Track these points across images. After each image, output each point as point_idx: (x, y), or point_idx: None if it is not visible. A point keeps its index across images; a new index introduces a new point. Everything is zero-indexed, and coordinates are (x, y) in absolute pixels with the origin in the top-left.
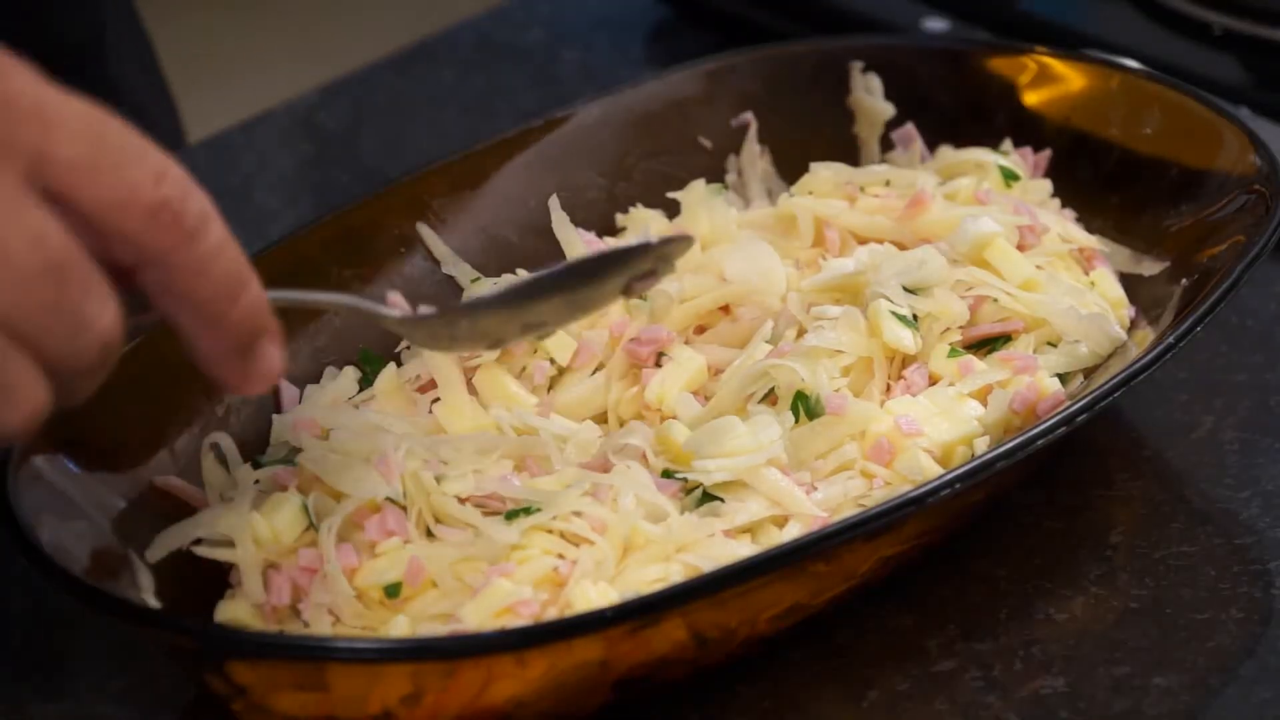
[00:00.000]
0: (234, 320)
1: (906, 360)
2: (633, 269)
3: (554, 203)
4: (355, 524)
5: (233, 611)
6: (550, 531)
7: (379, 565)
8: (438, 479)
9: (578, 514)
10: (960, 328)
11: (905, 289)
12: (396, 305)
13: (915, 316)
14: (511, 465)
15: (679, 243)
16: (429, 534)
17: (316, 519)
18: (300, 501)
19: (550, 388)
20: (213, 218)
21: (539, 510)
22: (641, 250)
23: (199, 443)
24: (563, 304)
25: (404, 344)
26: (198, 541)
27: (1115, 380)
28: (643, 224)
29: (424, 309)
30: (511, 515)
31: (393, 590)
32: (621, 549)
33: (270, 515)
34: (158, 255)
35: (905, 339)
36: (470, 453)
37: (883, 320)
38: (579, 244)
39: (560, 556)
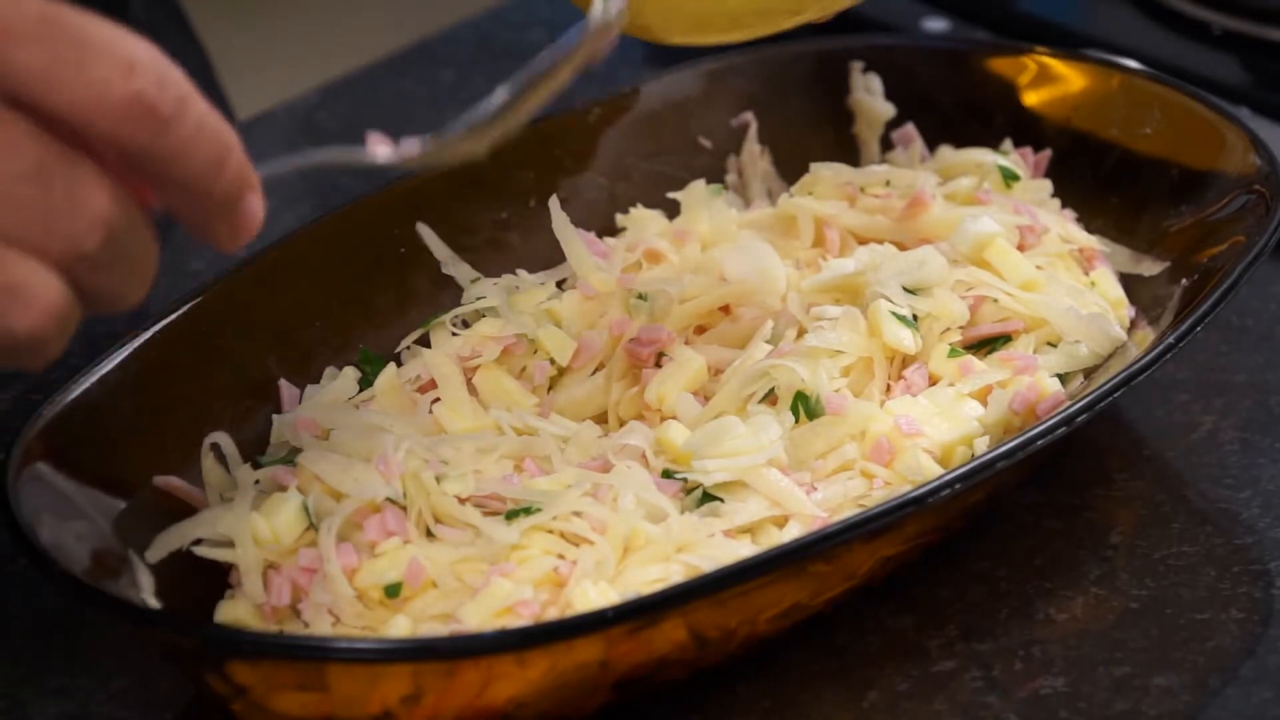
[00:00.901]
0: (220, 189)
1: (906, 360)
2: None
3: (554, 202)
4: (355, 524)
5: (233, 611)
6: (550, 531)
7: (379, 565)
8: (438, 479)
9: (578, 514)
10: (960, 328)
11: (905, 289)
12: (378, 145)
13: (915, 317)
14: (512, 465)
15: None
16: (429, 534)
17: (316, 519)
18: (300, 502)
19: (550, 388)
20: (189, 98)
21: (539, 510)
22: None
23: (199, 443)
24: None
25: (404, 344)
26: (198, 542)
27: (1115, 380)
28: (642, 224)
29: (407, 142)
30: (511, 515)
31: (393, 590)
32: (621, 549)
33: (270, 516)
34: (137, 149)
35: (905, 339)
36: (470, 453)
37: (883, 321)
38: (579, 244)
39: (560, 557)
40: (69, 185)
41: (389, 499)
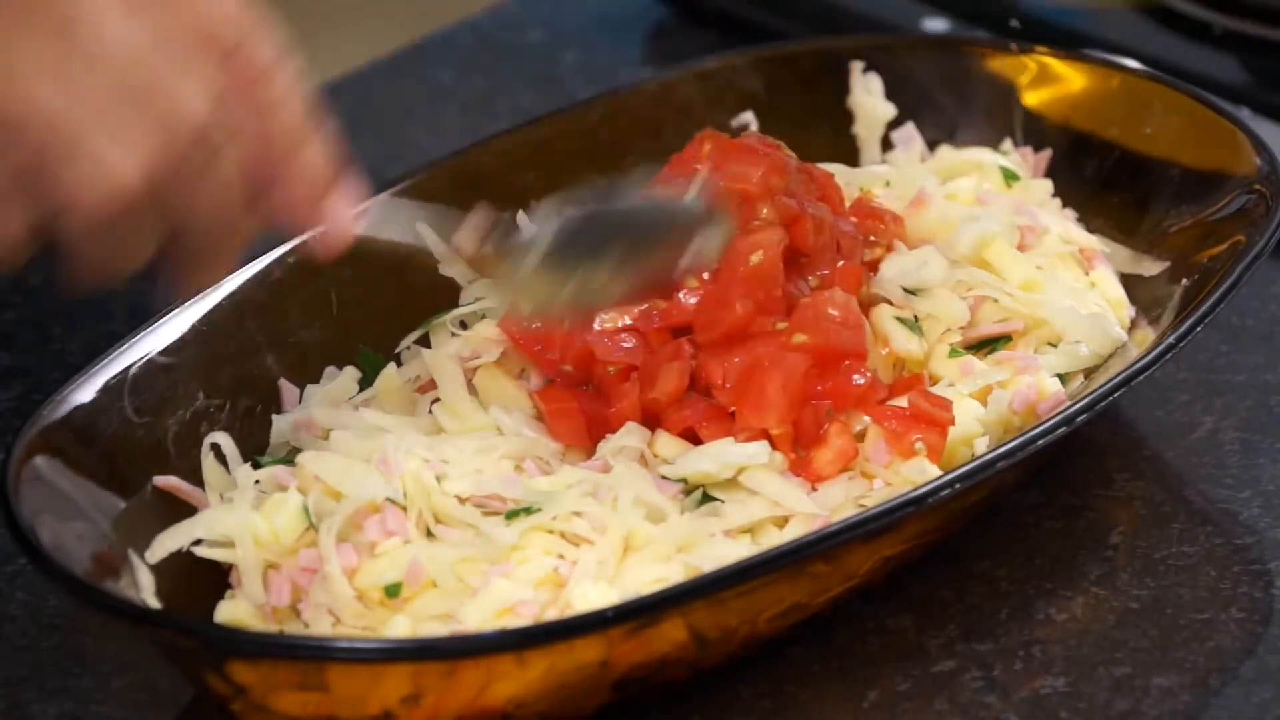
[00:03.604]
0: (306, 162)
1: (909, 361)
2: (688, 230)
3: (524, 220)
4: (355, 525)
5: (233, 611)
6: (550, 532)
7: (379, 565)
8: (438, 479)
9: (578, 514)
10: (960, 328)
11: (905, 290)
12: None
13: (915, 317)
14: (512, 466)
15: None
16: (429, 534)
17: (316, 519)
18: (300, 502)
19: None
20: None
21: (539, 510)
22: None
23: (199, 443)
24: (618, 263)
25: (403, 345)
26: (198, 542)
27: (1115, 380)
28: None
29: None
30: (511, 515)
31: (392, 590)
32: (621, 549)
33: (270, 516)
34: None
35: (911, 345)
36: (471, 452)
37: (888, 328)
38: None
39: (560, 557)
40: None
41: (389, 499)
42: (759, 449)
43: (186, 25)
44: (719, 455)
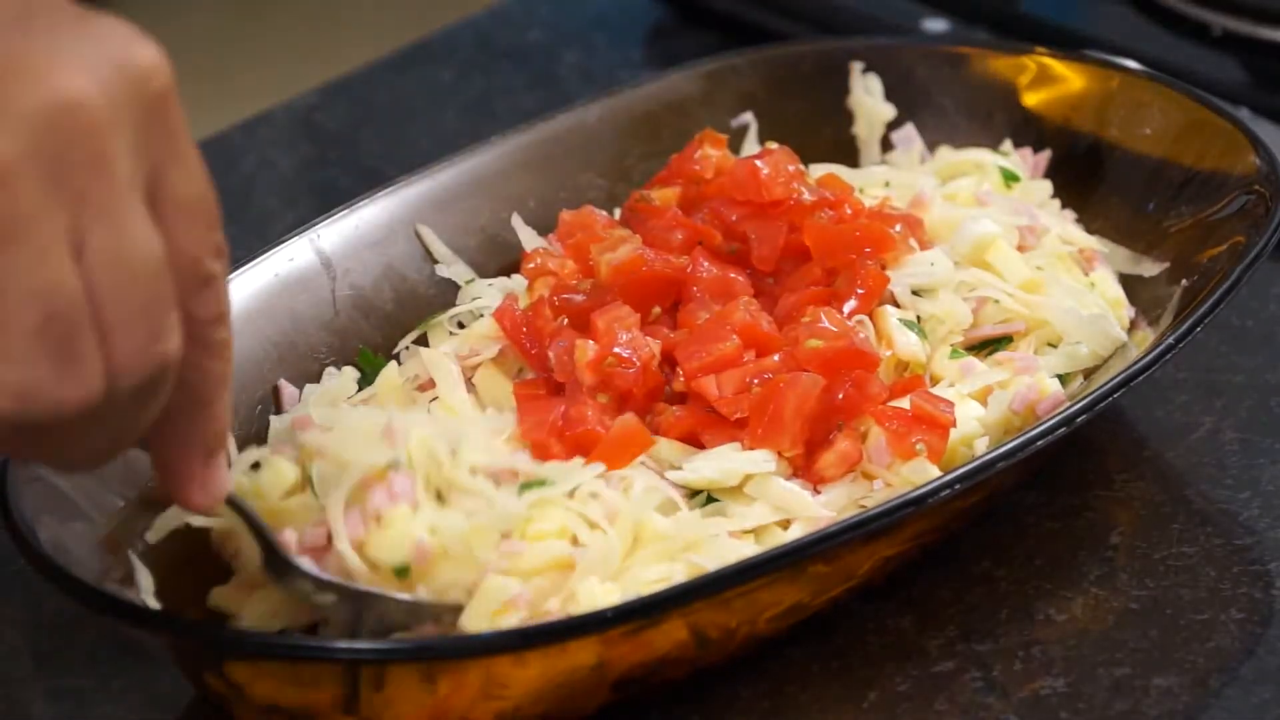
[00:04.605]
0: (215, 414)
1: (912, 362)
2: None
3: (517, 221)
4: (362, 494)
5: (225, 597)
6: (565, 509)
7: (388, 537)
8: (452, 452)
9: (594, 494)
10: (962, 329)
11: (912, 291)
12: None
13: (918, 318)
14: (525, 448)
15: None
16: (439, 499)
17: (321, 488)
18: (290, 458)
19: None
20: (227, 317)
21: (552, 484)
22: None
23: None
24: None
25: (402, 344)
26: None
27: (1115, 381)
28: None
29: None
30: (525, 487)
31: (402, 572)
32: (631, 540)
33: (255, 474)
34: (196, 320)
35: (916, 350)
36: (483, 433)
37: (893, 330)
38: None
39: (573, 539)
40: (166, 309)
41: (395, 464)
42: (766, 458)
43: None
44: (726, 463)
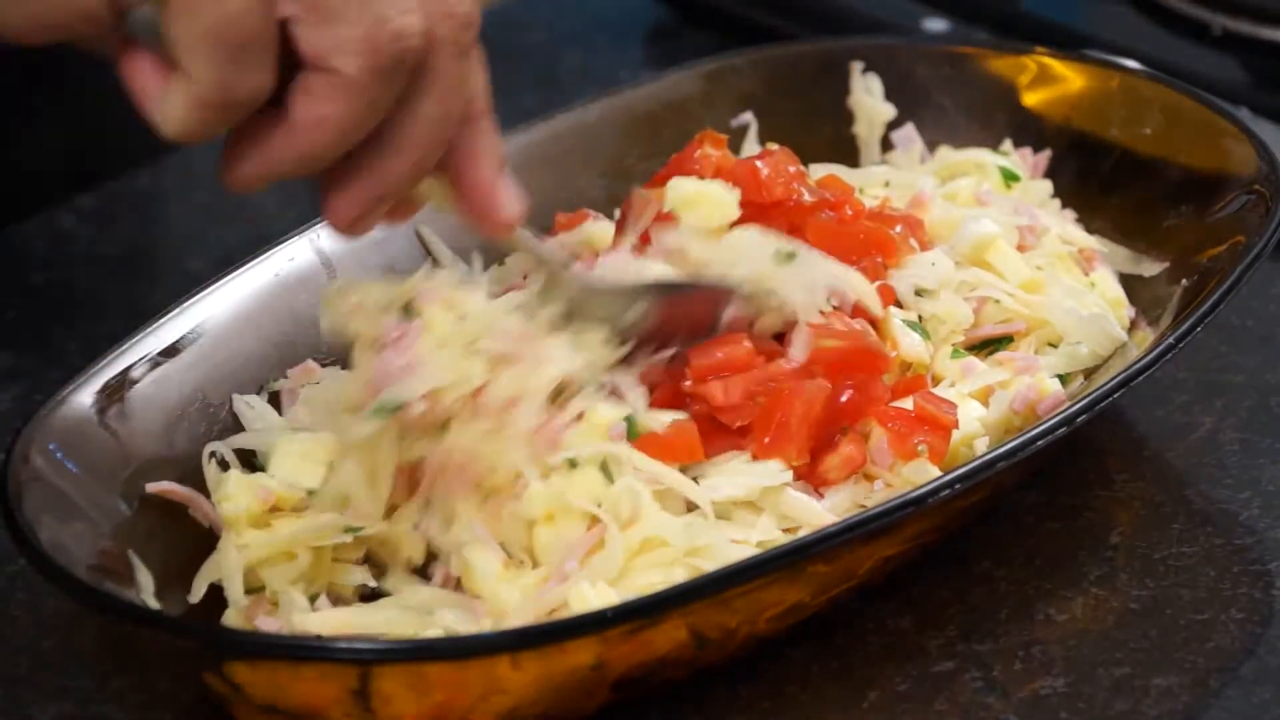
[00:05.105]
0: (491, 129)
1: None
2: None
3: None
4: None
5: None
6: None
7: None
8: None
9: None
10: (964, 329)
11: (914, 292)
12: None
13: (920, 319)
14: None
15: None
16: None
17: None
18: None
19: None
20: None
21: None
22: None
23: (199, 442)
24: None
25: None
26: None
27: (1115, 381)
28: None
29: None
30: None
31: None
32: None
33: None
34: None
35: (920, 351)
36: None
37: (897, 332)
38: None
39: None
40: None
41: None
42: (779, 471)
43: None
44: (742, 478)
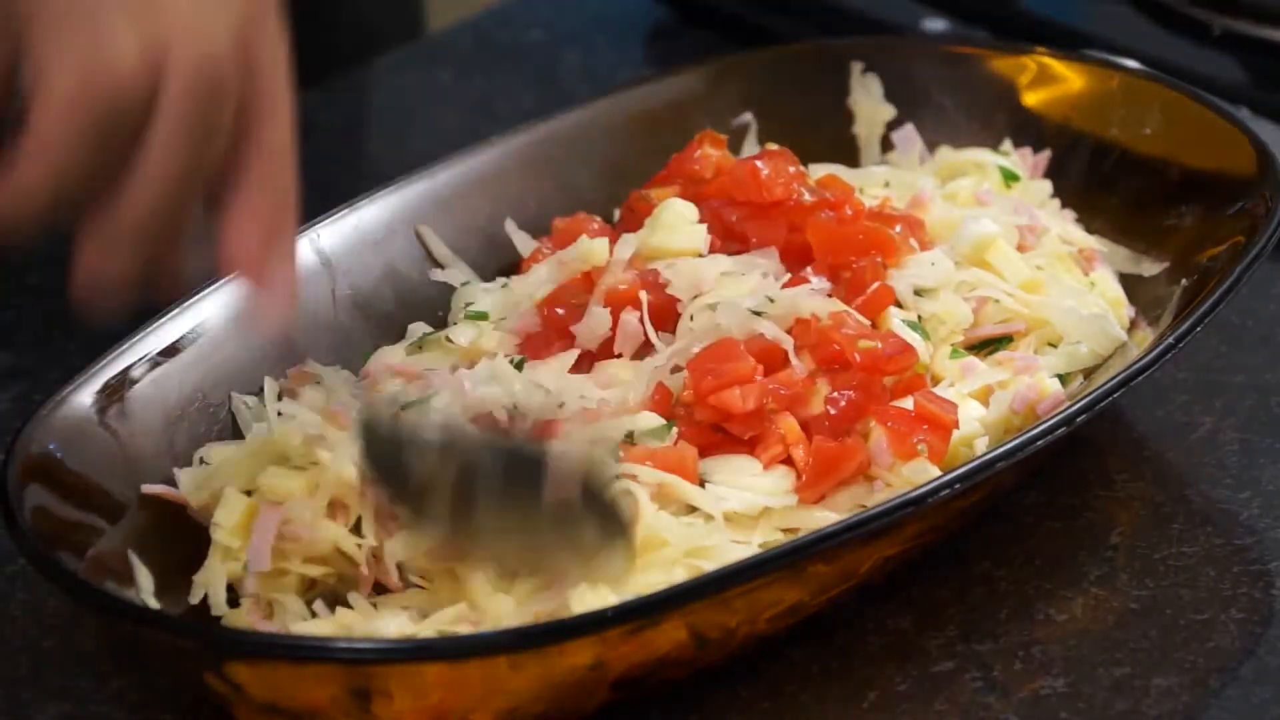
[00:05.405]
0: (276, 188)
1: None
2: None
3: (510, 226)
4: None
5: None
6: None
7: None
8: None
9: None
10: (963, 329)
11: (914, 291)
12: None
13: (919, 318)
14: None
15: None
16: None
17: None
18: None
19: None
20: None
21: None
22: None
23: (199, 442)
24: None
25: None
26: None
27: (1115, 381)
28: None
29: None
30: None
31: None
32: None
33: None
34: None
35: (920, 350)
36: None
37: (898, 332)
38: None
39: None
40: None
41: None
42: (783, 484)
43: None
44: (748, 493)
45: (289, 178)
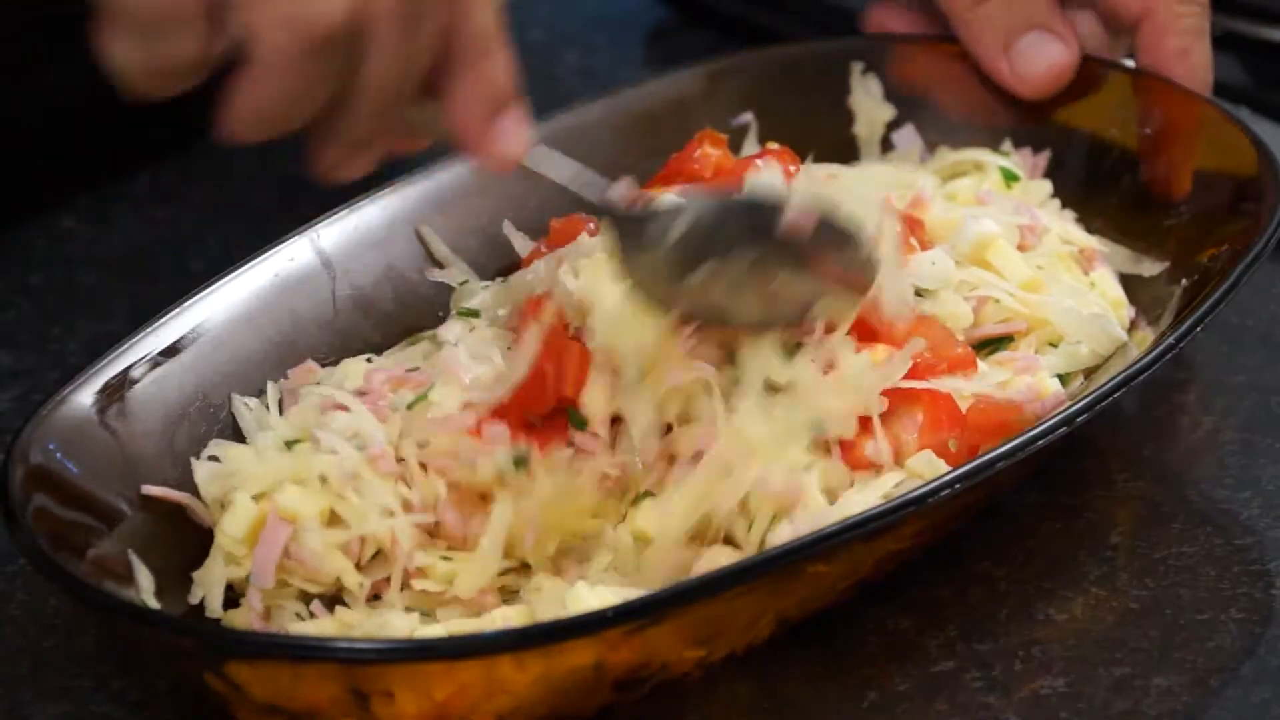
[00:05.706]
0: (489, 71)
1: None
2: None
3: (508, 227)
4: None
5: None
6: None
7: None
8: None
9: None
10: (964, 329)
11: (915, 291)
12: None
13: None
14: None
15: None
16: None
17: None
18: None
19: None
20: None
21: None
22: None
23: (199, 442)
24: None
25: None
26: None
27: (1115, 381)
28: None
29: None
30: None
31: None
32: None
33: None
34: None
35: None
36: None
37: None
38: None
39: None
40: None
41: None
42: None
43: None
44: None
45: (501, 59)
